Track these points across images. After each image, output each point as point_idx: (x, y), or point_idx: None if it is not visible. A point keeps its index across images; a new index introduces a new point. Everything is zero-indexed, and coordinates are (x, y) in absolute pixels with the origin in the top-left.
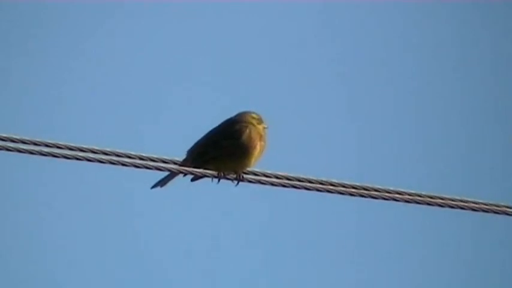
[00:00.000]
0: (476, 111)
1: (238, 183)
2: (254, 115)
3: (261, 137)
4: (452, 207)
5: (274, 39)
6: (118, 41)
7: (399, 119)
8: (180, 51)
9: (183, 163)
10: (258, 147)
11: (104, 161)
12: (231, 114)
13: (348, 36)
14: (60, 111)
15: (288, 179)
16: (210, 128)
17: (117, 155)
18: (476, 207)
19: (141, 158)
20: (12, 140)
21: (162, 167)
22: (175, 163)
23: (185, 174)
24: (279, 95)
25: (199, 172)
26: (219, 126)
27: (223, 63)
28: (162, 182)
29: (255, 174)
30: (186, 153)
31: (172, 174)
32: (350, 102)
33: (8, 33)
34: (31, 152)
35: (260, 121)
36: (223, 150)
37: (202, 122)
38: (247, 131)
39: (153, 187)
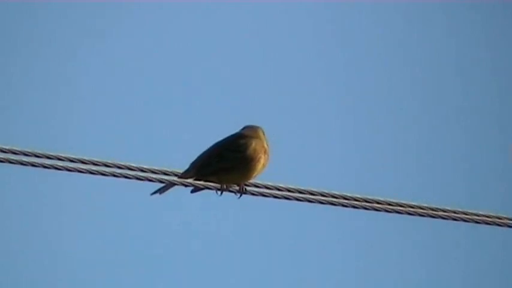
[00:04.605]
0: (478, 122)
1: (241, 195)
2: (260, 130)
3: (265, 151)
4: (455, 219)
5: (278, 46)
6: (117, 45)
7: (401, 130)
8: (183, 59)
9: (185, 174)
10: (261, 161)
11: (106, 173)
12: (232, 125)
13: (348, 40)
14: (59, 119)
15: (289, 190)
16: (213, 140)
17: (119, 167)
18: (479, 220)
19: (142, 170)
20: (14, 152)
21: (165, 179)
22: (176, 175)
23: (187, 186)
24: (279, 107)
25: (201, 185)
26: (225, 139)
27: (225, 75)
28: (161, 190)
29: (257, 187)
30: (189, 164)
31: (172, 184)
32: (351, 113)
33: (7, 35)
34: (33, 165)
35: (264, 135)
36: (227, 163)
37: (204, 133)
38: (253, 144)
39: (152, 194)
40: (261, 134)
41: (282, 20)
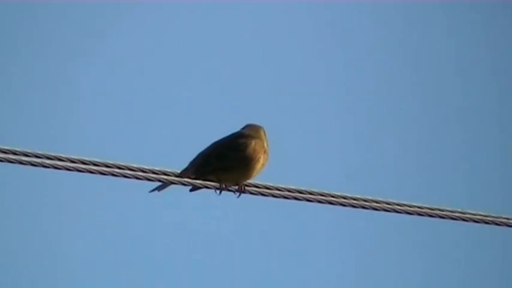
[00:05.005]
0: (478, 122)
1: (240, 194)
2: (261, 129)
3: (265, 151)
4: (454, 218)
5: (278, 46)
6: (117, 45)
7: (401, 130)
8: (183, 59)
9: (184, 173)
10: (261, 160)
11: (105, 172)
12: (232, 124)
13: (348, 40)
14: (59, 119)
15: (289, 191)
16: (213, 139)
17: (119, 168)
18: (478, 219)
19: (142, 171)
20: (14, 153)
21: (164, 179)
22: (176, 175)
23: (186, 185)
24: (279, 107)
25: (201, 184)
26: (225, 138)
27: (225, 75)
28: (159, 188)
29: (257, 187)
30: (188, 163)
31: (171, 182)
32: (351, 113)
33: (7, 35)
34: (32, 164)
35: (265, 135)
36: (226, 162)
37: (204, 133)
38: (253, 144)
39: (151, 191)
40: (261, 133)
41: (282, 20)
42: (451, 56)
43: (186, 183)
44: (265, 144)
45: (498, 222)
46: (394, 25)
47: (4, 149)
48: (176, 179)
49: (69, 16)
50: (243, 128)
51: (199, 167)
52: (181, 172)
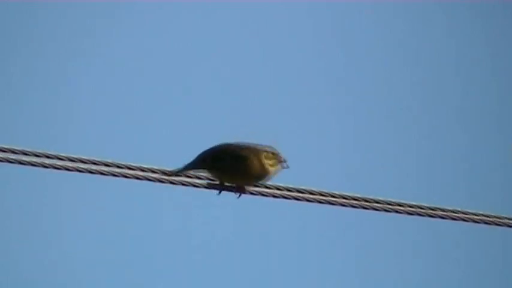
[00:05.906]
0: (478, 122)
1: (240, 195)
2: (271, 154)
3: (268, 171)
4: (454, 219)
5: (278, 46)
6: (117, 45)
7: (401, 130)
8: (183, 59)
9: (181, 172)
10: (260, 162)
11: (105, 172)
12: (232, 125)
13: (348, 40)
14: (59, 119)
15: (289, 190)
16: (212, 140)
17: (118, 167)
18: (478, 219)
19: (142, 170)
20: (14, 152)
21: (165, 179)
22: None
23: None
24: (279, 107)
25: (202, 184)
26: (235, 144)
27: (225, 75)
28: (181, 170)
29: (257, 187)
30: (185, 164)
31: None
32: (351, 113)
33: (7, 35)
34: (33, 164)
35: (276, 160)
36: (228, 167)
37: (204, 133)
38: (252, 148)
39: (172, 173)
40: (272, 159)
41: (282, 20)
42: (451, 56)
43: (185, 183)
44: (273, 168)
45: (498, 223)
46: (394, 25)
47: (4, 148)
48: (177, 179)
49: (69, 16)
50: (258, 145)
51: (195, 163)
52: (179, 171)
